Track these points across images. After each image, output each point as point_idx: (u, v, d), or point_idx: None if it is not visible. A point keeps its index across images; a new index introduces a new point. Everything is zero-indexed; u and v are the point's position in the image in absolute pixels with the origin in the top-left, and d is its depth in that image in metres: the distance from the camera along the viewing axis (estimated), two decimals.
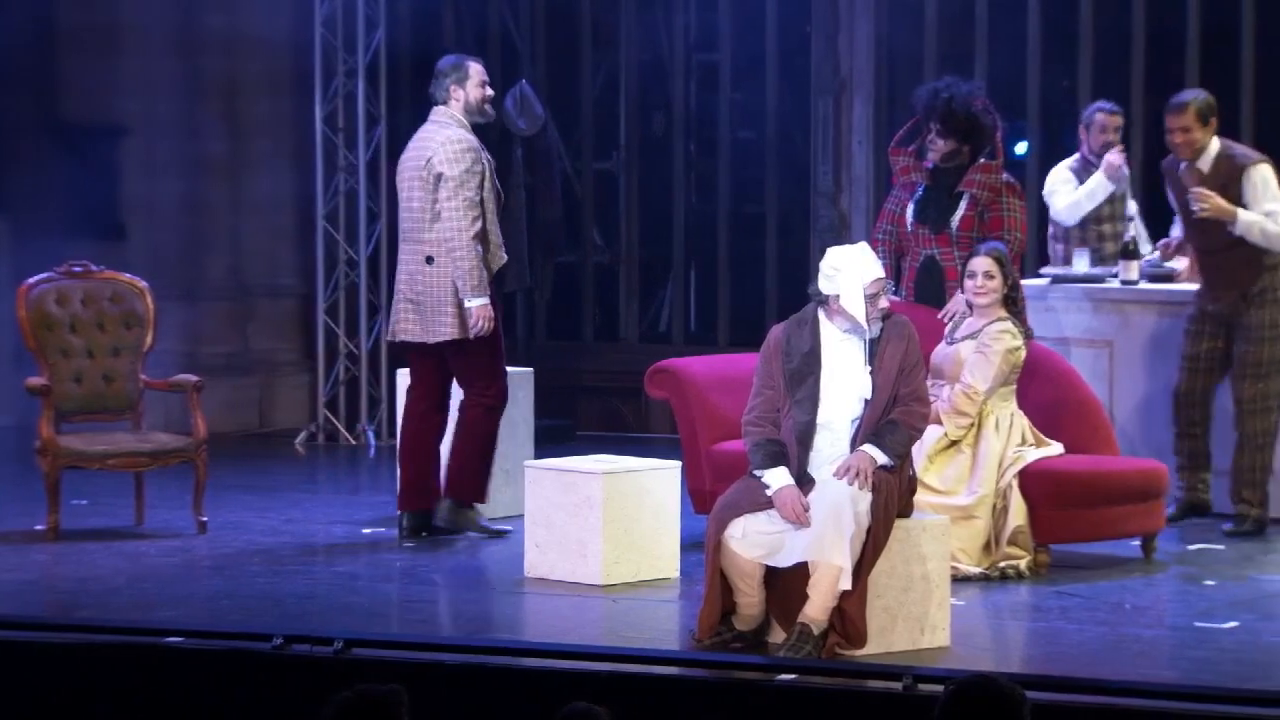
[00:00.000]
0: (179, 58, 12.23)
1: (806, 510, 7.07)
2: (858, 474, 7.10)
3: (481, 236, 8.83)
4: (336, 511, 9.86)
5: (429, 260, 8.85)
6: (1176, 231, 9.73)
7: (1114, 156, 9.83)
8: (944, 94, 9.05)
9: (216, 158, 12.38)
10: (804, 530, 7.07)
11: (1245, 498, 9.15)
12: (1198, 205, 9.07)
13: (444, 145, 8.87)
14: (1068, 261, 9.94)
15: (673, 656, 7.11)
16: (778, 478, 7.17)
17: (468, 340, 8.89)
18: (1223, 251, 9.14)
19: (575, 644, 7.19)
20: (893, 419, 7.20)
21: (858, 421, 7.24)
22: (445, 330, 8.87)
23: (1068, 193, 9.93)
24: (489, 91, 9.04)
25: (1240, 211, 9.06)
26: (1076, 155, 10.07)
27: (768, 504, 7.14)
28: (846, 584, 7.01)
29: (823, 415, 7.24)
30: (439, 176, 8.83)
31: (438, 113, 9.00)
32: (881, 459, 7.14)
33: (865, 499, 7.08)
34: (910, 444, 7.26)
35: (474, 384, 8.96)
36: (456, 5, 12.68)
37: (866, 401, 7.23)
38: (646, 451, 9.07)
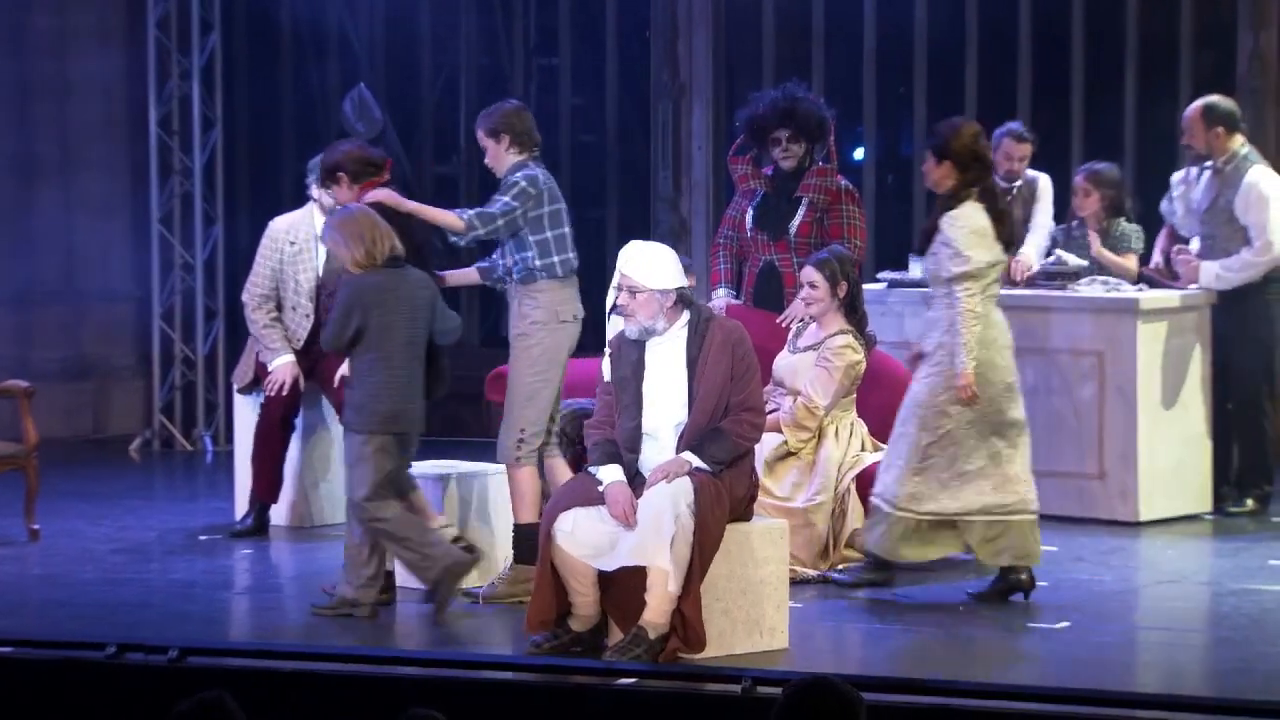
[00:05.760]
0: (7, 58, 12.03)
1: (635, 510, 7.09)
2: (667, 477, 7.12)
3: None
4: (172, 518, 9.75)
5: None
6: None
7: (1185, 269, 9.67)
8: (790, 98, 9.07)
9: (47, 160, 12.20)
10: (629, 534, 7.09)
11: None
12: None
13: None
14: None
15: (510, 661, 7.09)
16: (610, 474, 7.20)
17: None
18: None
19: (412, 650, 7.15)
20: (720, 427, 7.21)
21: (682, 426, 7.26)
22: None
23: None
24: None
25: None
26: None
27: (600, 499, 7.17)
28: (674, 586, 7.03)
29: (647, 423, 7.27)
30: None
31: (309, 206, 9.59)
32: (696, 464, 7.16)
33: (686, 497, 7.08)
34: (735, 453, 7.22)
35: None
36: (294, 7, 12.58)
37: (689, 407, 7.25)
38: (488, 456, 9.04)
